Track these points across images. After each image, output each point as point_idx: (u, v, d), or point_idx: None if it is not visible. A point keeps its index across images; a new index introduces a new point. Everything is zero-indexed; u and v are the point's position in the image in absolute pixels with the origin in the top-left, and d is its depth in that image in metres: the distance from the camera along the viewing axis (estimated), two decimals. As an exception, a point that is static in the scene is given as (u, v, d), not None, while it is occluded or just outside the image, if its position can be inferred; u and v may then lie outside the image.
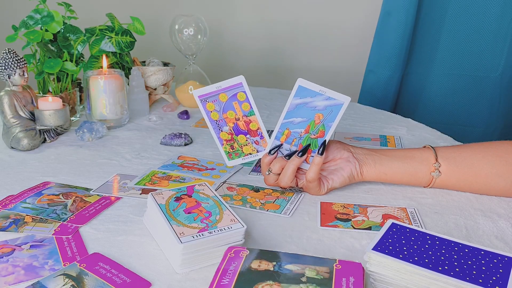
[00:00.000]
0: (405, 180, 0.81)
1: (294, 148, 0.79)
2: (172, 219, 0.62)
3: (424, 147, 0.82)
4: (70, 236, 0.67)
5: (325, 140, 0.77)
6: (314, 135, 0.78)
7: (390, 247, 0.56)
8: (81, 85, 1.26)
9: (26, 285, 0.57)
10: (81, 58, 1.26)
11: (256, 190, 0.82)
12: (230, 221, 0.63)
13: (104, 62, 1.14)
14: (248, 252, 0.58)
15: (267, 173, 0.79)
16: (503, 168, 0.77)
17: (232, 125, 0.81)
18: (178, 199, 0.67)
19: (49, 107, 1.02)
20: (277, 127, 0.79)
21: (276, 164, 0.78)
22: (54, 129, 1.05)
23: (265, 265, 0.55)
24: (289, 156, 0.77)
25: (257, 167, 0.92)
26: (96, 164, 0.94)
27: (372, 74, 1.54)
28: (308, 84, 0.77)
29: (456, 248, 0.56)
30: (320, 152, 0.76)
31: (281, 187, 0.81)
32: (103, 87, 1.11)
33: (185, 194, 0.68)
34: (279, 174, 0.78)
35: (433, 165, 0.79)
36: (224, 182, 0.86)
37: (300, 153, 0.77)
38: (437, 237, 0.58)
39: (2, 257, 0.62)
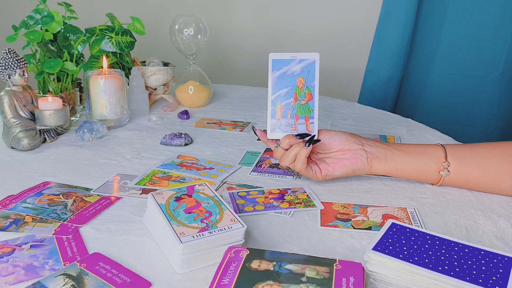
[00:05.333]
0: (415, 176, 0.82)
1: (292, 121, 0.81)
2: (172, 219, 0.62)
3: (436, 144, 0.82)
4: (70, 236, 0.68)
5: (314, 135, 0.80)
6: (303, 100, 0.81)
7: (390, 247, 0.56)
8: (81, 85, 1.26)
9: (26, 285, 0.57)
10: (81, 58, 1.26)
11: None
12: (230, 221, 0.63)
13: (104, 62, 1.14)
14: (248, 252, 0.58)
15: (276, 146, 0.82)
16: (511, 167, 0.77)
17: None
18: (178, 199, 0.67)
19: (49, 107, 1.02)
20: (269, 105, 0.81)
21: (286, 140, 0.80)
22: (54, 129, 1.05)
23: (265, 265, 0.55)
24: (300, 136, 0.79)
25: (257, 167, 0.93)
26: (96, 164, 0.94)
27: (372, 74, 1.54)
28: (279, 55, 0.80)
29: (456, 248, 0.56)
30: (307, 144, 0.78)
31: (282, 165, 0.82)
32: (103, 87, 1.11)
33: (185, 194, 0.68)
34: (287, 149, 0.81)
35: (442, 164, 0.79)
36: (224, 182, 0.86)
37: (307, 144, 0.78)
38: (437, 237, 0.58)
39: (2, 257, 0.62)
